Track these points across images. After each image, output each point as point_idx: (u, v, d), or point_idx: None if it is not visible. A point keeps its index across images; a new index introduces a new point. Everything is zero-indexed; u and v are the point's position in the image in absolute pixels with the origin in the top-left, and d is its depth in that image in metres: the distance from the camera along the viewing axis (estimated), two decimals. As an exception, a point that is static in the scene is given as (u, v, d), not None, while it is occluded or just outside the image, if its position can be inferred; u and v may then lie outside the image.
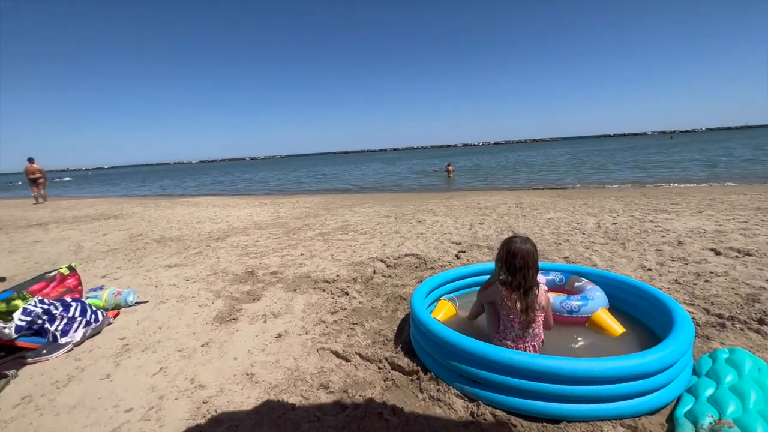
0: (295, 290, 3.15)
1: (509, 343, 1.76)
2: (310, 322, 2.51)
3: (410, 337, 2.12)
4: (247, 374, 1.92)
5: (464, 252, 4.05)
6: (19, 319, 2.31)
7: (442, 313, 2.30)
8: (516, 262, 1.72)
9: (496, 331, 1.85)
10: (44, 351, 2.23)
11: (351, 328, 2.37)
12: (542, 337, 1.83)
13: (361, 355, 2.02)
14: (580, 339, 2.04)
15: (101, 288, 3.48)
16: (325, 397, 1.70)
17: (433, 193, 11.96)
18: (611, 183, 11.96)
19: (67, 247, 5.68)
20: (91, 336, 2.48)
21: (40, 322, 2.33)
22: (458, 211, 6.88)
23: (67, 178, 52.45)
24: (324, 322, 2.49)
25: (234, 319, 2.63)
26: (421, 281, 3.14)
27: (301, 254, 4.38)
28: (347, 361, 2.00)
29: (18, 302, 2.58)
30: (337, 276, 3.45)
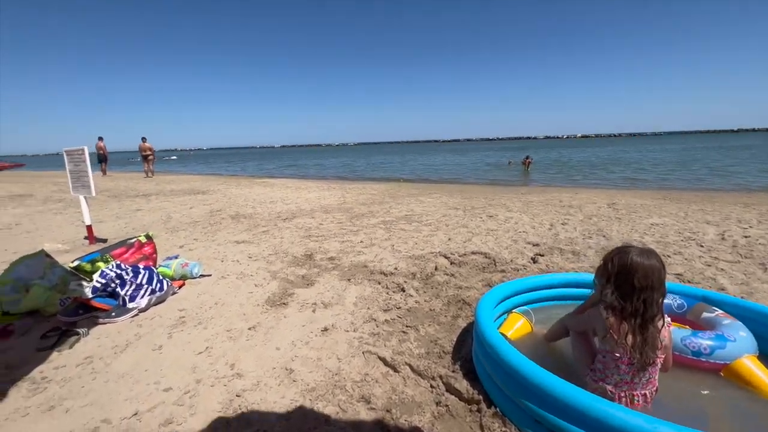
0: (349, 280, 2.97)
1: (609, 387, 1.32)
2: (360, 317, 2.30)
3: (472, 354, 1.77)
4: (287, 369, 1.76)
5: (542, 255, 3.50)
6: (96, 281, 2.47)
7: (514, 329, 1.90)
8: (634, 281, 1.25)
9: (589, 368, 1.41)
10: (113, 313, 2.35)
11: (403, 332, 2.10)
12: (657, 384, 1.35)
13: (411, 367, 1.74)
14: (707, 391, 1.50)
15: (175, 257, 3.69)
16: (365, 414, 1.46)
17: (508, 187, 11.04)
18: (733, 188, 9.84)
19: (160, 216, 6.30)
20: (156, 303, 2.57)
21: (113, 285, 2.46)
22: (536, 208, 6.14)
23: (174, 157, 60.49)
24: (375, 320, 2.25)
25: (284, 303, 2.52)
26: (490, 285, 2.74)
27: (361, 241, 4.22)
28: (395, 371, 1.74)
29: (100, 264, 2.79)
30: (395, 269, 3.19)
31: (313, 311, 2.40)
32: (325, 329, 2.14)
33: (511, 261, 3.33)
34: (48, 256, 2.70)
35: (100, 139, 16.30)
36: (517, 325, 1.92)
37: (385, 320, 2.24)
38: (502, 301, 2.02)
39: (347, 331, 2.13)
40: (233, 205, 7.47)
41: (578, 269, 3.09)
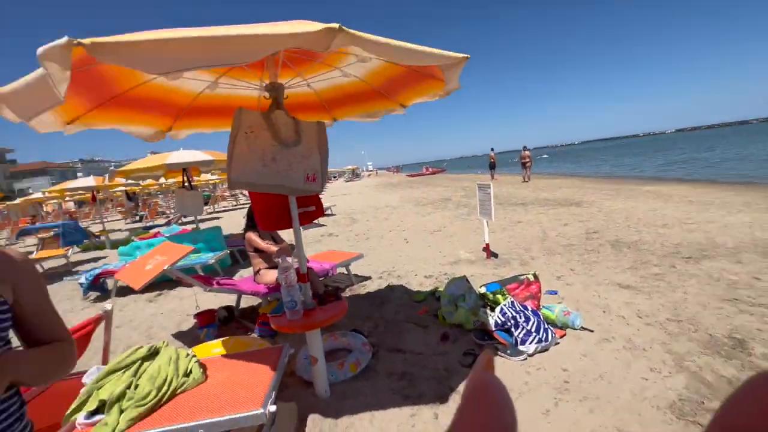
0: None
1: None
2: None
3: None
4: None
5: None
6: (497, 316, 2.99)
7: None
8: None
9: None
10: (508, 351, 2.75)
11: None
12: None
13: None
14: None
15: (554, 293, 3.81)
16: None
17: None
18: None
19: (536, 232, 6.79)
20: (540, 351, 2.75)
21: (509, 324, 2.88)
22: None
23: (545, 156, 63.91)
24: None
25: (702, 425, 1.91)
26: None
27: None
28: None
29: (499, 297, 3.35)
30: None
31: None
32: None
33: None
34: (467, 281, 3.58)
35: (492, 150, 20.08)
36: None
37: None
38: None
39: None
40: (611, 225, 6.74)
41: None
